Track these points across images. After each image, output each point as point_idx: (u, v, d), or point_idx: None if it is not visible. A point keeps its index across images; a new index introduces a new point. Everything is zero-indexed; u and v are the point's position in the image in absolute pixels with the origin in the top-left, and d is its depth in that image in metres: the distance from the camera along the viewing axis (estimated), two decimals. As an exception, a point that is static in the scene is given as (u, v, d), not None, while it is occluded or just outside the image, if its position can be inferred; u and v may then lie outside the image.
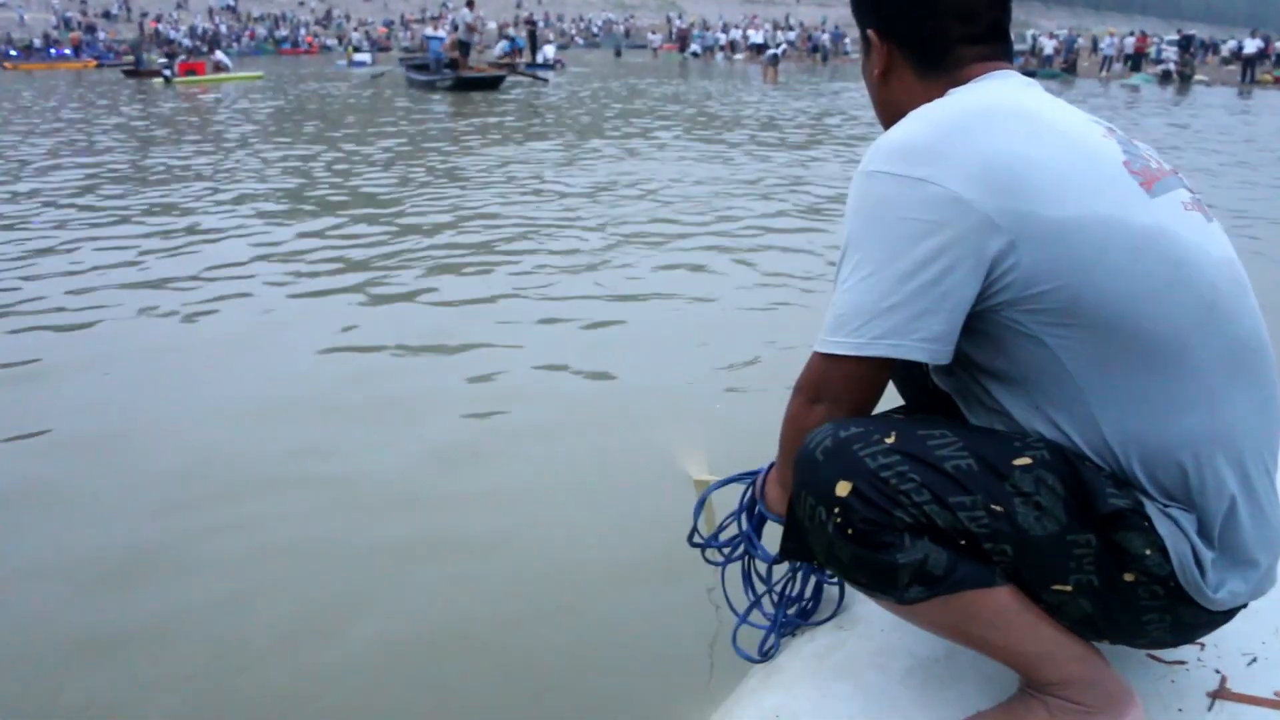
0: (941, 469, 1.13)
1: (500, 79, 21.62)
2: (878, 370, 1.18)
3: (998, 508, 1.12)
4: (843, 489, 1.13)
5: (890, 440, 1.14)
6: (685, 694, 1.75)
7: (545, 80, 23.89)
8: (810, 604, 1.67)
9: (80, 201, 7.39)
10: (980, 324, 1.16)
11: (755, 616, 1.67)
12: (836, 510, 1.13)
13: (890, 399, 1.57)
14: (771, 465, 1.52)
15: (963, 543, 1.14)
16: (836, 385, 1.20)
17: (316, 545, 2.40)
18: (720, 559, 1.72)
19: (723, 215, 6.77)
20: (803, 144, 11.32)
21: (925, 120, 1.16)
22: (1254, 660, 1.41)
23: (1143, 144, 1.25)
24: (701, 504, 1.79)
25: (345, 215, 6.89)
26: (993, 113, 1.16)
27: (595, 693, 1.83)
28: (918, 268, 1.11)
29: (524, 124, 13.79)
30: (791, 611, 1.65)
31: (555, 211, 6.99)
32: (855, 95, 18.92)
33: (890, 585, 1.15)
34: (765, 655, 1.61)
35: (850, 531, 1.13)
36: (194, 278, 5.02)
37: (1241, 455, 1.14)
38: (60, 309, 4.48)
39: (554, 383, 3.56)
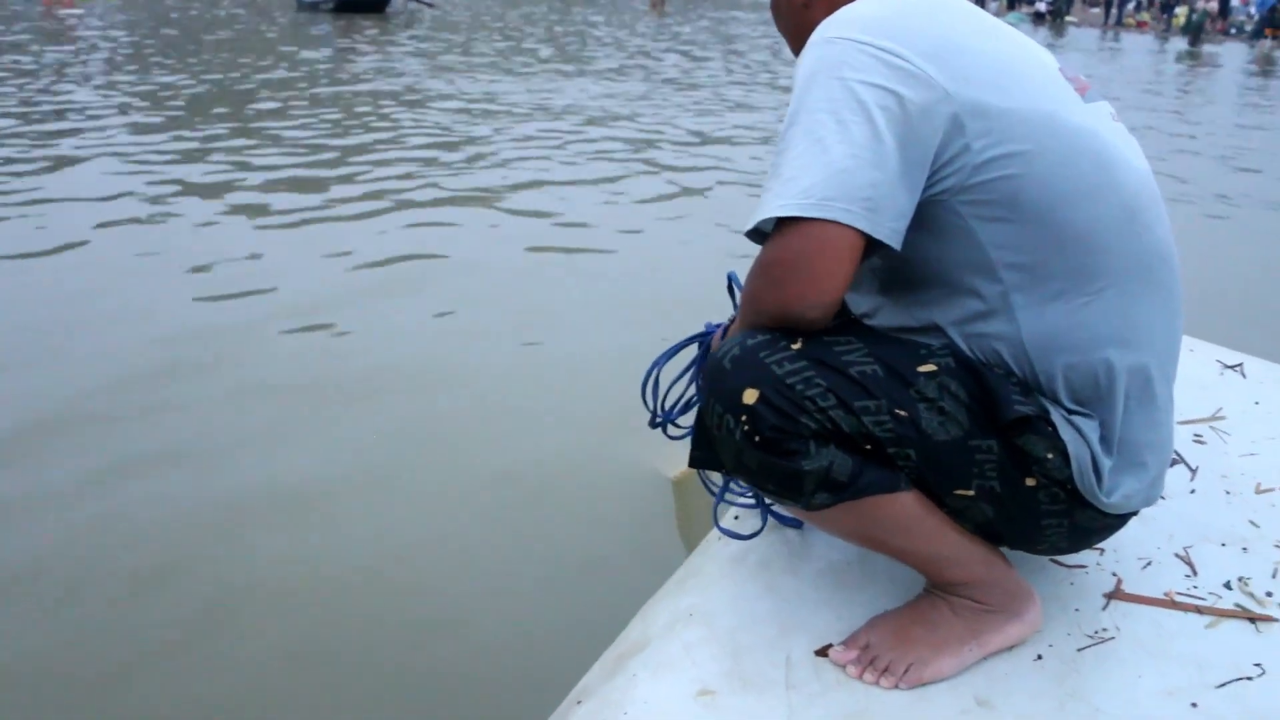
0: (847, 374, 1.12)
1: (385, 2, 20.59)
2: (832, 240, 1.06)
3: (902, 412, 1.13)
4: (750, 396, 1.11)
5: (796, 346, 1.13)
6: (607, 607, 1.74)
7: (432, 5, 22.88)
8: None
9: None
10: (923, 217, 1.13)
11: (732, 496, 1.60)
12: (744, 418, 1.12)
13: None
14: (726, 324, 1.51)
15: (868, 448, 1.14)
16: (788, 256, 1.09)
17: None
18: (681, 432, 1.68)
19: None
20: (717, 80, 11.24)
21: (883, 2, 1.16)
22: (1149, 564, 1.46)
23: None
24: (647, 379, 1.68)
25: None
26: (943, 6, 1.17)
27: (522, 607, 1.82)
28: (874, 137, 1.06)
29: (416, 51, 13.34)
30: None
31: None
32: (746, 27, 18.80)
33: (797, 492, 1.15)
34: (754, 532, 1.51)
35: (758, 439, 1.12)
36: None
37: (1145, 361, 1.18)
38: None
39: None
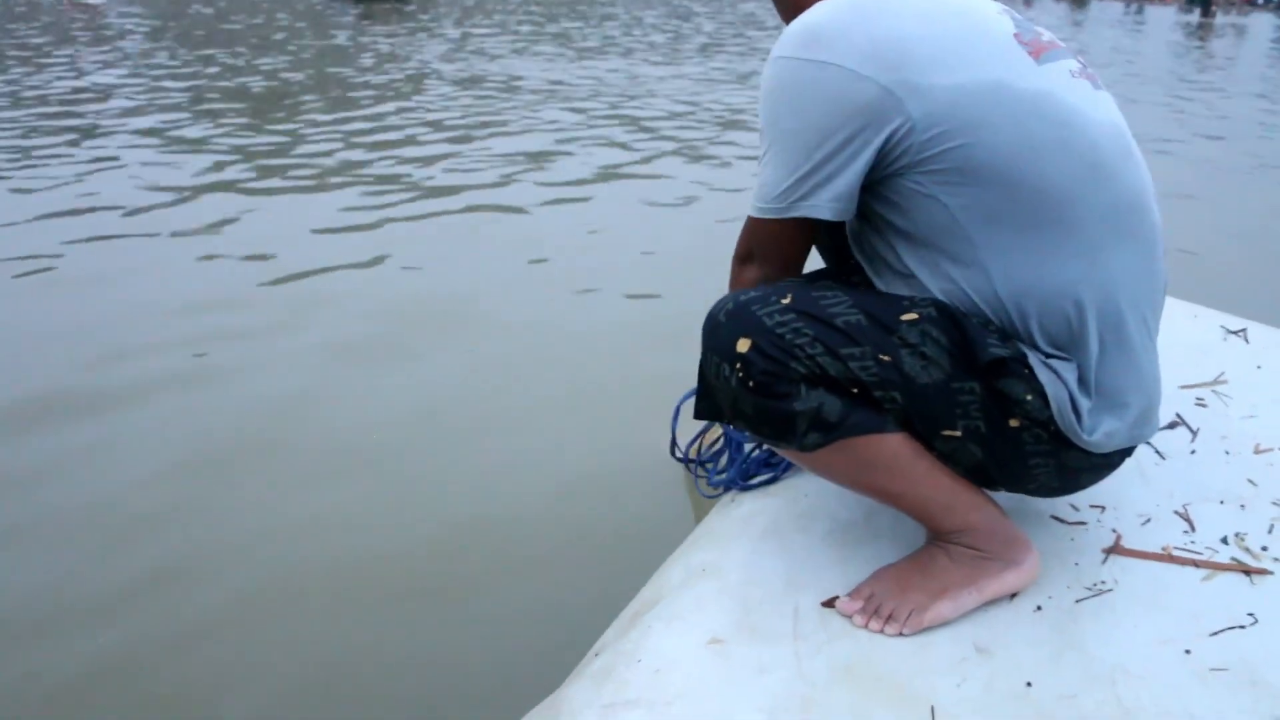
0: (833, 324, 1.22)
1: None
2: (799, 230, 1.32)
3: (885, 357, 1.21)
4: (743, 345, 1.22)
5: (786, 301, 1.24)
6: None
7: None
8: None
9: None
10: (887, 190, 1.26)
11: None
12: (738, 365, 1.22)
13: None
14: None
15: (855, 391, 1.23)
16: (765, 246, 1.36)
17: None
18: (706, 472, 1.85)
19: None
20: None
21: (826, 7, 1.25)
22: (1148, 520, 1.51)
23: (1041, 27, 1.35)
24: (676, 416, 1.97)
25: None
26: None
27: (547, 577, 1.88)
28: (823, 139, 1.22)
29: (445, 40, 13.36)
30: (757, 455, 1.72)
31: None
32: None
33: (790, 433, 1.24)
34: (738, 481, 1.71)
35: (751, 384, 1.22)
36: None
37: (1119, 304, 1.23)
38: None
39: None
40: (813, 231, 1.34)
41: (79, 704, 1.54)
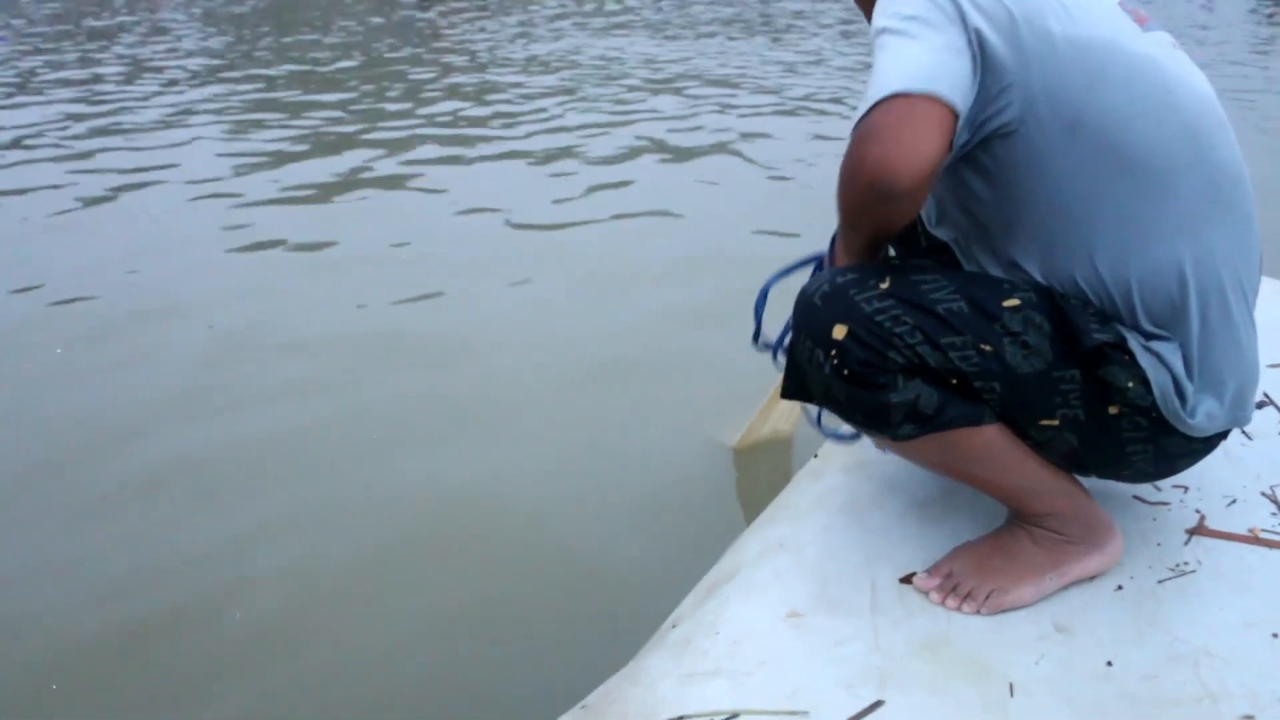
0: (934, 311, 1.17)
1: None
2: (922, 109, 1.06)
3: (987, 347, 1.17)
4: (839, 332, 1.17)
5: (885, 285, 1.19)
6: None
7: None
8: None
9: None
10: (987, 155, 1.19)
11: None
12: (833, 353, 1.18)
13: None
14: (834, 240, 1.43)
15: (954, 382, 1.19)
16: (880, 121, 1.06)
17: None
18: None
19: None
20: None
21: None
22: (1233, 502, 1.48)
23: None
24: (763, 299, 1.69)
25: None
26: None
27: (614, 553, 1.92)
28: (951, 40, 1.10)
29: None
30: None
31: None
32: None
33: (884, 423, 1.21)
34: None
35: (846, 373, 1.18)
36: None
37: (1220, 279, 1.20)
38: None
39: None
40: (949, 137, 1.09)
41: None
